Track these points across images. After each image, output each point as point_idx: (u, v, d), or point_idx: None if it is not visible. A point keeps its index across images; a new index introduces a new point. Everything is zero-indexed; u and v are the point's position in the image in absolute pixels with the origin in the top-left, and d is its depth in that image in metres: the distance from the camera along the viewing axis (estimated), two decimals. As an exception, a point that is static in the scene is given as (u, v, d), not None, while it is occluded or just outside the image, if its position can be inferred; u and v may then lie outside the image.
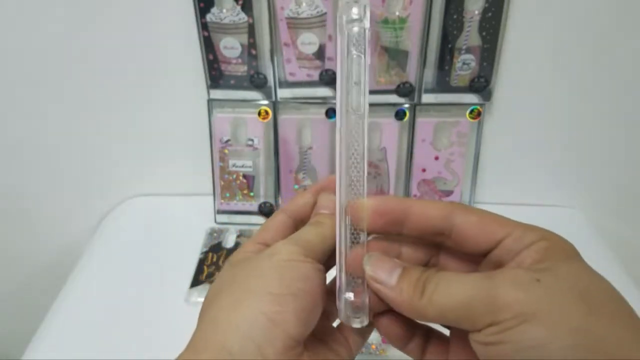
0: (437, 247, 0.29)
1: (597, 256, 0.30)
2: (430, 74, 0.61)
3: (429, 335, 0.30)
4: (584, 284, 0.23)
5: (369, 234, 0.29)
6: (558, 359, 0.21)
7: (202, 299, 0.59)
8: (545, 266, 0.23)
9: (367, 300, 0.28)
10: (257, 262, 0.28)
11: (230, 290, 0.27)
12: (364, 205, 0.28)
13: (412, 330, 0.29)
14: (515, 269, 0.24)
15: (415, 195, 0.69)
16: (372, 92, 0.62)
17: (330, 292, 0.30)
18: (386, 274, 0.26)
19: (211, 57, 0.60)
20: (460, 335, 0.28)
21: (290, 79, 0.62)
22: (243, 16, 0.58)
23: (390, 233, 0.28)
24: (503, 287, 0.23)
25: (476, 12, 0.57)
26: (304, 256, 0.28)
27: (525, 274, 0.23)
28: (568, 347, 0.21)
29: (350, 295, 0.29)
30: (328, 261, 0.30)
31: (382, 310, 0.28)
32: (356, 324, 0.29)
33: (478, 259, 0.27)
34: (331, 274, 0.31)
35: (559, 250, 0.24)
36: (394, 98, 0.62)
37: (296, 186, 0.69)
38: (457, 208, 0.27)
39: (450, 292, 0.24)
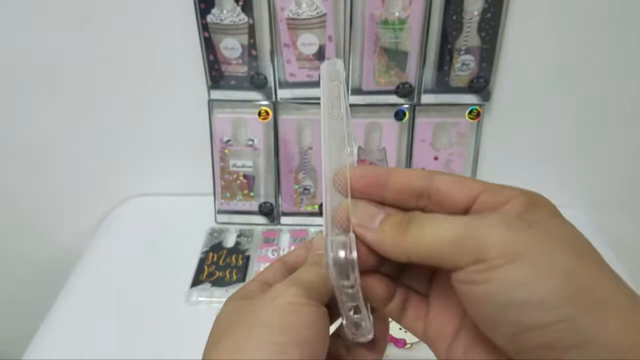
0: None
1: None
2: (429, 75, 0.61)
3: (409, 295, 0.30)
4: (570, 235, 0.23)
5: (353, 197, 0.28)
6: (544, 299, 0.20)
7: (202, 299, 0.60)
8: (533, 217, 0.23)
9: (369, 315, 0.28)
10: (259, 306, 0.27)
11: (232, 337, 0.26)
12: (347, 170, 0.28)
13: (393, 290, 0.29)
14: (503, 214, 0.24)
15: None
16: (371, 92, 0.62)
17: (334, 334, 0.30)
18: (369, 218, 0.26)
19: (212, 57, 0.61)
20: (441, 292, 0.28)
21: (290, 79, 0.62)
22: (243, 17, 0.58)
23: (373, 197, 0.28)
24: (494, 227, 0.22)
25: (475, 13, 0.57)
26: (306, 298, 0.27)
27: (516, 219, 0.23)
28: (557, 287, 0.20)
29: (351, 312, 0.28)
30: (329, 302, 0.29)
31: (367, 271, 0.28)
32: (362, 339, 0.29)
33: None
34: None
35: (541, 205, 0.24)
36: (393, 98, 0.62)
37: (296, 186, 0.69)
38: (435, 171, 0.27)
39: (437, 230, 0.24)
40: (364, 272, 0.27)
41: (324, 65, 0.31)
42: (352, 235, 0.27)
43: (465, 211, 0.26)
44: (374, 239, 0.26)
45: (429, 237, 0.24)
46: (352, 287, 0.26)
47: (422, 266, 0.27)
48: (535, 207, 0.24)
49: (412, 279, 0.30)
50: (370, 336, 0.29)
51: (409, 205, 0.28)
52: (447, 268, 0.23)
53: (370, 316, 0.29)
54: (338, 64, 0.31)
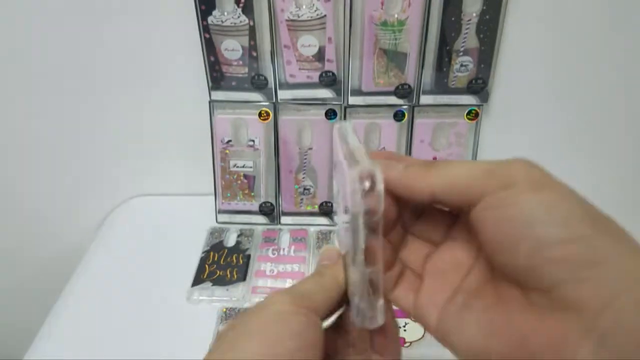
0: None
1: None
2: (428, 76, 0.62)
3: (404, 270, 0.30)
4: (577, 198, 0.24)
5: None
6: (567, 217, 0.22)
7: (203, 298, 0.61)
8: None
9: (381, 301, 0.28)
10: (249, 316, 0.27)
11: (220, 347, 0.26)
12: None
13: (393, 258, 0.30)
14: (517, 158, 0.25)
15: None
16: (371, 93, 0.63)
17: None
18: (394, 164, 0.27)
19: (212, 59, 0.61)
20: (440, 259, 0.29)
21: (290, 80, 0.62)
22: (244, 18, 0.58)
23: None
24: (521, 164, 0.24)
25: (474, 14, 0.57)
26: (296, 306, 0.26)
27: (537, 165, 0.24)
28: (578, 210, 0.22)
29: (361, 302, 0.28)
30: (329, 312, 0.29)
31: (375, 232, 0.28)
32: (373, 324, 0.29)
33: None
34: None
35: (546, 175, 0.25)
36: (392, 99, 0.63)
37: (296, 186, 0.69)
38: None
39: (464, 166, 0.25)
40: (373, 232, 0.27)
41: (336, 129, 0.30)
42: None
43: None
44: (399, 175, 0.26)
45: (457, 170, 0.25)
46: (375, 228, 0.26)
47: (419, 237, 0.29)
48: (547, 185, 0.24)
49: (420, 237, 0.30)
50: (380, 320, 0.29)
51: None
52: (471, 198, 0.24)
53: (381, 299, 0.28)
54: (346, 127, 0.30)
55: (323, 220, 0.71)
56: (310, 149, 0.67)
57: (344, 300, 0.30)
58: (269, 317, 0.26)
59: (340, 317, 0.31)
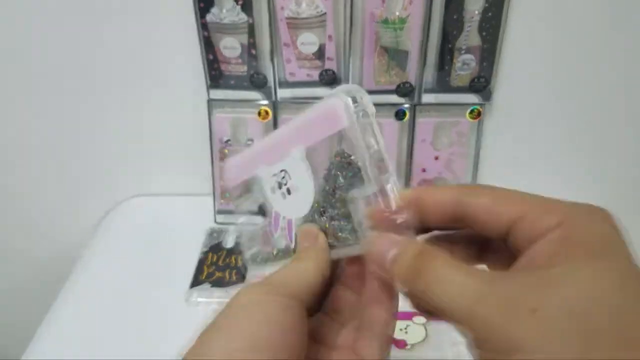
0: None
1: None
2: (430, 74, 0.61)
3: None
4: (594, 301, 0.19)
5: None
6: None
7: (202, 299, 0.60)
8: (553, 277, 0.20)
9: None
10: (221, 312, 0.25)
11: (199, 340, 0.24)
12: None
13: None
14: (513, 285, 0.21)
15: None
16: (372, 92, 0.62)
17: None
18: (381, 256, 0.25)
19: (211, 57, 0.60)
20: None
21: (290, 79, 0.62)
22: (243, 16, 0.58)
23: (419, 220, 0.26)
24: (492, 314, 0.20)
25: (476, 12, 0.57)
26: (271, 294, 0.25)
27: (520, 298, 0.20)
28: None
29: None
30: (314, 298, 0.28)
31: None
32: (354, 247, 0.28)
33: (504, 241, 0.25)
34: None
35: (577, 244, 0.20)
36: (394, 98, 0.62)
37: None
38: (465, 192, 0.25)
39: (441, 298, 0.21)
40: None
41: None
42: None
43: (504, 237, 0.24)
44: (387, 279, 0.25)
45: (435, 301, 0.22)
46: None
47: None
48: (569, 248, 0.21)
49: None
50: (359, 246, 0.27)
51: (449, 228, 0.26)
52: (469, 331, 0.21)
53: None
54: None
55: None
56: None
57: (330, 283, 0.29)
58: (240, 307, 0.25)
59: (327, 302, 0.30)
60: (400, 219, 0.25)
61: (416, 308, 0.25)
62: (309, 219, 0.30)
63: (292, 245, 0.31)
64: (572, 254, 0.20)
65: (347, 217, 0.28)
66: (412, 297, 0.23)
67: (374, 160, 0.27)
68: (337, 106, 0.27)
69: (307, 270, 0.27)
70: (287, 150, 0.30)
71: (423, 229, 0.26)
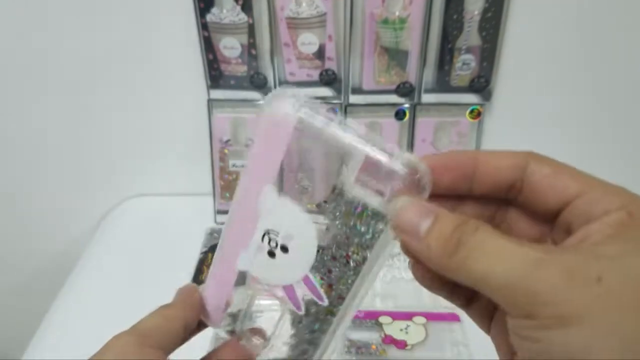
0: (505, 204, 0.25)
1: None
2: (430, 74, 0.61)
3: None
4: None
5: (433, 195, 0.23)
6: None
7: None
8: (616, 252, 0.19)
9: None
10: None
11: None
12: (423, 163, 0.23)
13: (455, 283, 0.23)
14: (575, 254, 0.20)
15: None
16: (372, 92, 0.62)
17: None
18: (413, 223, 0.22)
19: (211, 57, 0.60)
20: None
21: (290, 79, 0.61)
22: (243, 16, 0.58)
23: (458, 192, 0.24)
24: (551, 280, 0.19)
25: (476, 12, 0.57)
26: (140, 346, 0.26)
27: (584, 266, 0.19)
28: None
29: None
30: (176, 345, 0.28)
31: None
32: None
33: (550, 220, 0.23)
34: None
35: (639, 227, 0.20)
36: (394, 98, 0.62)
37: (296, 186, 0.68)
38: (531, 157, 0.23)
39: (487, 267, 0.20)
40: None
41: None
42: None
43: (557, 213, 0.22)
44: (419, 253, 0.22)
45: (478, 271, 0.20)
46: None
47: None
48: (632, 231, 0.20)
49: None
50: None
51: (499, 196, 0.24)
52: (500, 304, 0.20)
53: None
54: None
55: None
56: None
57: (192, 331, 0.30)
58: None
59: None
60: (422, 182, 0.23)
61: (433, 289, 0.24)
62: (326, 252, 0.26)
63: (325, 303, 0.26)
64: (633, 236, 0.20)
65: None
66: (446, 270, 0.21)
67: (343, 127, 0.23)
68: (279, 107, 0.24)
69: (173, 320, 0.28)
70: (254, 210, 0.26)
71: (448, 195, 0.24)
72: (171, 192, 0.75)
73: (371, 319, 0.56)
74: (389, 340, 0.54)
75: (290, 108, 0.23)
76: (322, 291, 0.26)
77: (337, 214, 0.25)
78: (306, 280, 0.26)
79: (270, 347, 0.30)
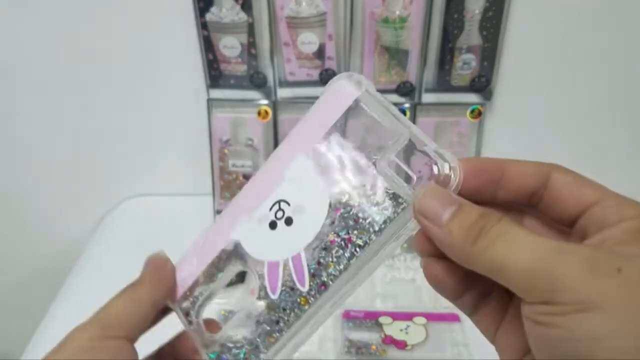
0: (523, 213, 0.26)
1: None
2: (430, 74, 0.61)
3: (488, 293, 0.25)
4: None
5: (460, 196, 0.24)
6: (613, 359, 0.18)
7: (201, 300, 0.60)
8: (633, 252, 0.20)
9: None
10: (52, 355, 0.25)
11: None
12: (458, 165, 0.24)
13: (464, 285, 0.25)
14: (595, 249, 0.21)
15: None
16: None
17: None
18: (436, 210, 0.22)
19: (211, 56, 0.60)
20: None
21: (290, 78, 0.61)
22: (243, 15, 0.57)
23: (484, 197, 0.24)
24: (574, 267, 0.19)
25: (477, 11, 0.57)
26: (104, 338, 0.25)
27: (605, 258, 0.20)
28: (628, 349, 0.18)
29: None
30: (147, 327, 0.28)
31: (433, 254, 0.24)
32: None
33: (566, 229, 0.24)
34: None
35: None
36: (394, 98, 0.62)
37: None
38: (554, 167, 0.24)
39: (509, 253, 0.20)
40: (432, 256, 0.24)
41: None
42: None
43: (574, 220, 0.23)
44: (439, 238, 0.23)
45: (499, 257, 0.21)
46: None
47: None
48: None
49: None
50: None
51: (521, 203, 0.25)
52: (515, 293, 0.21)
53: None
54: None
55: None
56: (311, 148, 0.66)
57: (161, 314, 0.29)
58: (70, 354, 0.25)
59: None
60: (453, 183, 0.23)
61: (444, 290, 0.24)
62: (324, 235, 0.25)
63: (305, 288, 0.25)
64: None
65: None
66: (466, 256, 0.22)
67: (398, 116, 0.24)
68: (342, 82, 0.25)
69: (140, 303, 0.27)
70: (279, 174, 0.26)
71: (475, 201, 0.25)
72: (171, 192, 0.74)
73: (371, 319, 0.56)
74: (389, 341, 0.54)
75: (355, 84, 0.25)
76: (307, 275, 0.25)
77: (359, 191, 0.25)
78: (296, 258, 0.26)
79: (221, 336, 0.28)
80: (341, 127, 0.25)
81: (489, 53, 0.59)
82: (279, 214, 0.26)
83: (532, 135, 0.67)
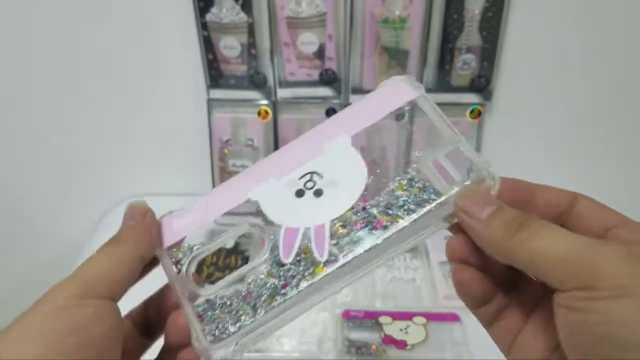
0: None
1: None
2: (430, 74, 0.61)
3: (509, 305, 0.26)
4: None
5: None
6: None
7: (201, 299, 0.59)
8: None
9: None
10: (28, 313, 0.24)
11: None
12: (495, 179, 0.25)
13: (490, 293, 0.26)
14: (632, 245, 0.22)
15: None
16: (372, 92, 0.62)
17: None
18: (478, 207, 0.24)
19: (211, 56, 0.60)
20: (544, 315, 0.25)
21: (290, 78, 0.61)
22: (243, 16, 0.58)
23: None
24: (611, 255, 0.20)
25: (476, 11, 0.57)
26: (85, 298, 0.23)
27: (638, 252, 0.21)
28: None
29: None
30: (131, 284, 0.26)
31: (463, 260, 0.25)
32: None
33: None
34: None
35: None
36: (394, 98, 0.62)
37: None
38: (578, 194, 0.26)
39: (550, 242, 0.22)
40: (462, 263, 0.25)
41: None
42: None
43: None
44: (478, 233, 0.24)
45: (540, 246, 0.22)
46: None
47: (531, 281, 0.26)
48: None
49: (519, 291, 0.27)
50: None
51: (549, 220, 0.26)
52: (549, 284, 0.22)
53: None
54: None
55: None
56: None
57: (148, 267, 0.27)
58: (48, 313, 0.23)
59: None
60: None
61: (469, 286, 0.25)
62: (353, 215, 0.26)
63: (323, 259, 0.25)
64: None
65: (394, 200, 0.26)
66: (505, 248, 0.23)
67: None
68: (403, 83, 0.28)
69: (123, 261, 0.26)
70: (318, 149, 0.27)
71: None
72: (171, 192, 0.74)
73: (371, 319, 0.56)
74: (389, 341, 0.54)
75: (415, 87, 0.28)
76: (327, 246, 0.25)
77: (397, 182, 0.26)
78: (320, 228, 0.26)
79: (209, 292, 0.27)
80: (393, 120, 0.28)
81: (489, 53, 0.59)
82: (309, 185, 0.27)
83: (532, 135, 0.67)
